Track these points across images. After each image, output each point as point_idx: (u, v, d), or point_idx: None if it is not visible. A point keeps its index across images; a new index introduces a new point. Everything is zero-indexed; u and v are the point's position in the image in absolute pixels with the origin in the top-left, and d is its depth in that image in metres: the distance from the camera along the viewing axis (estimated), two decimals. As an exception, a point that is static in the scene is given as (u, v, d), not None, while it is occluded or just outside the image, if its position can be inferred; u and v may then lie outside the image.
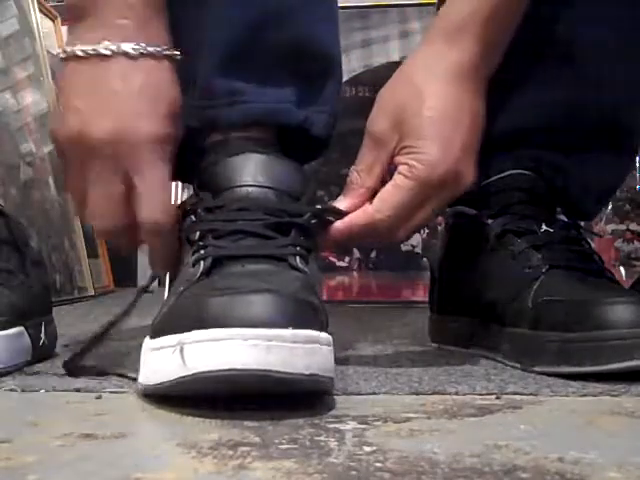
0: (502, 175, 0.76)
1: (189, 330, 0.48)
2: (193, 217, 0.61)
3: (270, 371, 0.46)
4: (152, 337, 0.52)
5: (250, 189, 0.61)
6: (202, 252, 0.58)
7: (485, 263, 0.74)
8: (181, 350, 0.47)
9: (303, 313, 0.49)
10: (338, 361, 0.68)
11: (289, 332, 0.47)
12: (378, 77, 1.52)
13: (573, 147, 0.77)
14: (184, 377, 0.47)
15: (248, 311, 0.47)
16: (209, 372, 0.46)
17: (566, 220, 0.75)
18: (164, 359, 0.49)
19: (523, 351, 0.66)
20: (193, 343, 0.47)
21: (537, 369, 0.64)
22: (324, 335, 0.50)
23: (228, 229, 0.59)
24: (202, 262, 0.57)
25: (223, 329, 0.46)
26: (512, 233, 0.72)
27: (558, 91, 0.76)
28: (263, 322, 0.47)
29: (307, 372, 0.47)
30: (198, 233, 0.59)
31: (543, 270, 0.69)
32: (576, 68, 0.75)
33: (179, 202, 0.65)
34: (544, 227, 0.72)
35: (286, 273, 0.56)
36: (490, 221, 0.74)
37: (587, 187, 0.78)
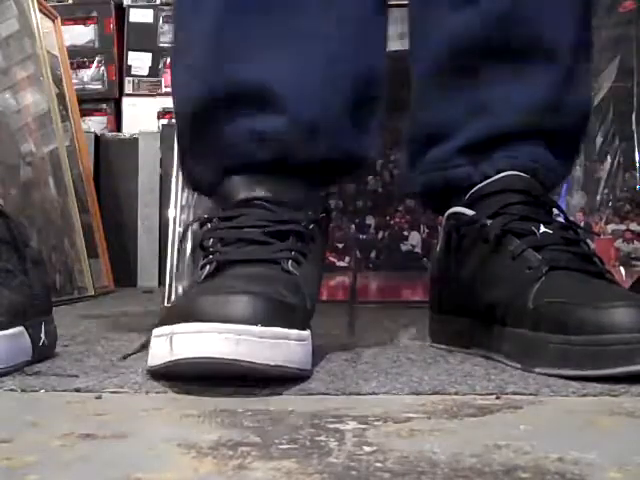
0: (499, 176, 0.76)
1: (178, 322, 0.56)
2: (209, 225, 0.71)
3: (238, 360, 0.54)
4: (157, 326, 0.60)
5: (256, 202, 0.71)
6: (210, 257, 0.67)
7: (485, 264, 0.74)
8: (170, 339, 0.56)
9: (274, 312, 0.57)
10: (338, 361, 0.68)
11: (257, 328, 0.55)
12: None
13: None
14: (171, 361, 0.56)
15: (225, 309, 0.55)
16: (189, 358, 0.55)
17: (564, 222, 0.75)
18: (159, 345, 0.57)
19: (524, 352, 0.66)
20: (179, 334, 0.56)
21: (538, 370, 0.64)
22: (294, 332, 0.57)
23: (234, 237, 0.68)
24: (208, 266, 0.66)
25: (203, 323, 0.55)
26: (511, 234, 0.72)
27: (548, 90, 0.77)
28: (236, 319, 0.55)
29: (272, 363, 0.55)
30: (211, 240, 0.69)
31: (543, 271, 0.69)
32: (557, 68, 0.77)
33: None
34: (542, 228, 0.72)
35: (276, 275, 0.65)
36: (489, 222, 0.74)
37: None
